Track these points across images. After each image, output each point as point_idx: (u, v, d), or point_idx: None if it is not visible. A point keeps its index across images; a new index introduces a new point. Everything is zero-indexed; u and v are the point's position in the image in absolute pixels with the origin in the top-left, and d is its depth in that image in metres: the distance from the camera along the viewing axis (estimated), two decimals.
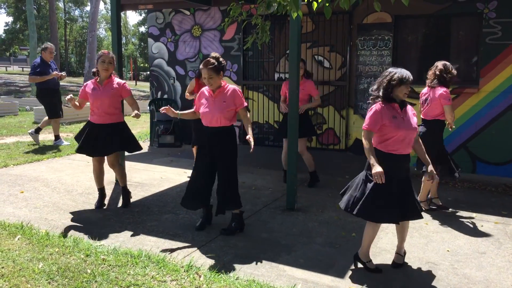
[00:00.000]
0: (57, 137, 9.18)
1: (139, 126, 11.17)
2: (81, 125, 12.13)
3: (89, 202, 5.48)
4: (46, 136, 10.12)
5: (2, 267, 3.65)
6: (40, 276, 3.52)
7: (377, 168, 3.46)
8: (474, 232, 4.71)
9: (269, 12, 3.94)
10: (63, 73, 9.10)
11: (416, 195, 3.75)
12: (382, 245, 4.33)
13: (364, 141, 3.60)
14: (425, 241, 4.45)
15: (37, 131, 9.05)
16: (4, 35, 44.46)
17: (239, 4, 4.30)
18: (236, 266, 3.83)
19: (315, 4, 3.27)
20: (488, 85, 6.92)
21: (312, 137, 7.92)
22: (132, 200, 5.58)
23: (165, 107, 4.50)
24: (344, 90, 8.16)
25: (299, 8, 3.38)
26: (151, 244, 4.25)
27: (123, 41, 52.16)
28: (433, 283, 3.60)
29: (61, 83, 29.65)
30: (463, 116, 7.11)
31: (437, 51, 7.44)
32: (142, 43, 48.03)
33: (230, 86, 4.50)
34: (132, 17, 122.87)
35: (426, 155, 3.82)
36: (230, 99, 4.43)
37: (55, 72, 8.75)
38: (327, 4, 3.29)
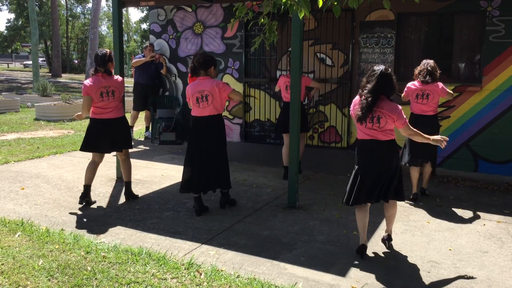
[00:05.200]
0: (130, 127, 9.59)
1: (140, 124, 11.15)
2: (82, 122, 12.14)
3: None
4: (47, 133, 10.12)
5: (2, 264, 3.64)
6: (40, 273, 3.51)
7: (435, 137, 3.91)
8: (476, 231, 4.69)
9: (274, 10, 3.91)
10: (157, 55, 9.46)
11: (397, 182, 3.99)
12: (384, 243, 4.30)
13: (412, 131, 3.90)
14: (427, 239, 4.43)
15: (131, 128, 9.54)
16: (6, 31, 44.40)
17: (244, 5, 4.27)
18: (237, 264, 3.81)
19: (320, 2, 3.23)
20: (491, 83, 6.88)
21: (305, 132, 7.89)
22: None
23: None
24: (346, 88, 8.13)
25: (308, 7, 3.34)
26: (152, 241, 4.24)
27: (125, 38, 52.15)
28: (435, 282, 3.58)
29: (63, 80, 29.65)
30: (465, 115, 7.09)
31: (440, 49, 7.41)
32: (144, 40, 47.98)
33: None
34: (134, 14, 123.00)
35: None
36: None
37: (151, 54, 9.30)
38: (336, 3, 3.25)
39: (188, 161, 5.03)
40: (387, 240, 4.20)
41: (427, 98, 5.47)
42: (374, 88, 3.78)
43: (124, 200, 5.47)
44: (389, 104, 3.81)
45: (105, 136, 5.16)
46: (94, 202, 5.32)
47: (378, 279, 3.61)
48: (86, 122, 12.13)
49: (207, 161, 4.97)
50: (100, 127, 5.15)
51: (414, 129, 3.93)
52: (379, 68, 3.86)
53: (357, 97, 3.97)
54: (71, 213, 4.96)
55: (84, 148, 5.24)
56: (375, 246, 4.23)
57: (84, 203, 5.21)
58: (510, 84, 6.78)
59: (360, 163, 4.00)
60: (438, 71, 5.52)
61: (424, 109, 5.53)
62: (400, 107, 3.84)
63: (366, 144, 3.94)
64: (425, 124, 5.45)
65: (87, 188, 5.26)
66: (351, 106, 4.03)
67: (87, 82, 5.05)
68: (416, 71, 5.58)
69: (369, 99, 3.77)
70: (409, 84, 5.59)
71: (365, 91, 3.83)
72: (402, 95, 5.72)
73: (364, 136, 3.94)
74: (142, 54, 9.58)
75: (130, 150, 5.53)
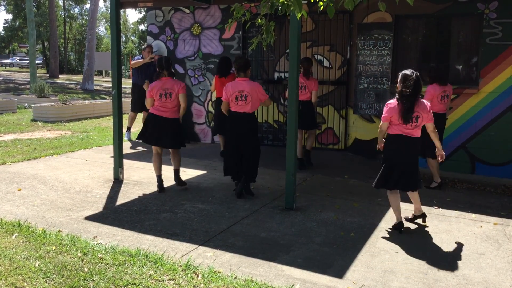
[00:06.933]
0: (128, 129, 9.71)
1: (138, 125, 11.13)
2: (79, 123, 12.12)
3: (87, 200, 5.46)
4: (44, 134, 10.10)
5: None
6: (36, 275, 3.50)
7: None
8: (473, 233, 4.70)
9: (272, 11, 3.91)
10: (156, 56, 9.40)
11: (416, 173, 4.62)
12: (381, 245, 4.31)
13: (434, 128, 4.60)
14: (424, 241, 4.44)
15: (128, 129, 9.68)
16: (3, 32, 44.33)
17: (242, 6, 4.27)
18: (234, 265, 3.81)
19: (321, 4, 3.25)
20: (488, 85, 6.91)
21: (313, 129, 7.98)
22: (130, 199, 5.57)
23: None
24: (343, 90, 8.14)
25: (301, 8, 3.35)
26: (149, 243, 4.23)
27: (123, 39, 52.10)
28: (432, 284, 3.58)
29: (60, 81, 29.61)
30: (462, 117, 7.10)
31: (437, 51, 7.43)
32: (142, 41, 47.97)
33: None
34: (132, 15, 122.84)
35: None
36: None
37: (150, 55, 9.27)
38: (331, 4, 3.26)
39: (226, 150, 5.75)
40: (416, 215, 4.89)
41: (447, 98, 6.14)
42: (413, 93, 4.36)
43: (123, 201, 5.47)
44: (422, 103, 4.45)
45: (157, 131, 5.80)
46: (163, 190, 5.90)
47: (375, 280, 3.61)
48: (84, 123, 12.14)
49: (242, 152, 5.60)
50: (154, 122, 5.79)
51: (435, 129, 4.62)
52: (411, 73, 4.41)
53: (394, 101, 4.47)
54: (68, 214, 4.95)
55: (140, 137, 5.94)
56: (372, 248, 4.23)
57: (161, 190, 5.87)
58: (507, 86, 6.80)
59: (391, 154, 4.58)
60: None
61: (443, 108, 6.14)
62: (429, 104, 4.51)
63: (401, 139, 4.50)
64: (440, 121, 5.96)
65: (159, 178, 5.94)
66: (387, 109, 4.48)
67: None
68: (433, 75, 6.08)
69: (413, 102, 4.38)
70: (430, 88, 6.04)
71: (406, 95, 4.37)
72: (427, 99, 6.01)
73: (400, 132, 4.49)
74: (141, 56, 9.55)
75: (125, 151, 5.58)
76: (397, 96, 4.47)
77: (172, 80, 5.73)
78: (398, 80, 4.49)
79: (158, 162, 5.92)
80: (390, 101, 4.55)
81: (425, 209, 5.37)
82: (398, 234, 4.59)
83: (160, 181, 5.91)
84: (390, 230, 4.68)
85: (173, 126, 5.78)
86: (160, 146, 5.88)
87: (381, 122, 4.60)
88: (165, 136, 5.76)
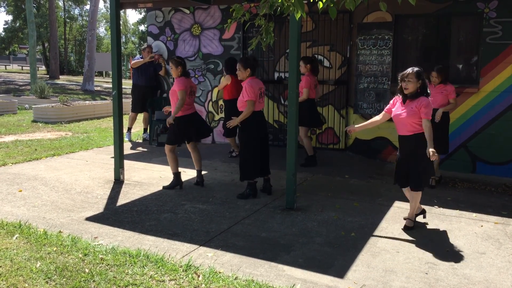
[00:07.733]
0: (128, 129, 9.68)
1: (138, 125, 11.14)
2: (80, 124, 12.12)
3: (88, 201, 5.47)
4: (45, 135, 10.10)
5: (0, 266, 3.63)
6: (37, 276, 3.50)
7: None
8: (474, 232, 4.69)
9: (271, 11, 3.91)
10: (156, 55, 9.48)
11: (421, 170, 4.60)
12: (382, 245, 4.31)
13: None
14: (425, 241, 4.44)
15: (128, 130, 9.67)
16: (3, 33, 44.33)
17: (241, 5, 4.27)
18: (235, 265, 3.81)
19: (320, 4, 3.25)
20: (488, 84, 6.90)
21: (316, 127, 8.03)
22: (130, 199, 5.57)
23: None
24: (344, 90, 8.14)
25: (303, 9, 3.36)
26: (150, 243, 4.24)
27: (123, 39, 52.11)
28: (433, 284, 3.58)
29: (61, 82, 29.62)
30: (463, 116, 7.10)
31: (437, 51, 7.43)
32: (142, 42, 47.97)
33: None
34: (132, 16, 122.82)
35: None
36: None
37: (150, 55, 9.32)
38: (332, 5, 3.26)
39: (252, 152, 5.60)
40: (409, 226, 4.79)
41: None
42: None
43: (124, 201, 5.47)
44: None
45: (194, 128, 6.14)
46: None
47: (375, 280, 3.61)
48: (85, 124, 12.14)
49: (264, 149, 5.76)
50: (191, 122, 6.11)
51: None
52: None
53: (427, 98, 4.50)
54: (68, 215, 4.96)
55: (175, 142, 6.15)
56: (373, 248, 4.23)
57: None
58: (507, 85, 6.80)
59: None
60: None
61: None
62: None
63: None
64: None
65: (179, 175, 6.16)
66: (430, 106, 4.47)
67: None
68: (447, 75, 6.26)
69: None
70: (453, 87, 6.18)
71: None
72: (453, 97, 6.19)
73: None
74: (141, 56, 9.54)
75: (126, 152, 5.61)
76: (427, 91, 4.54)
77: (190, 79, 6.21)
78: (417, 77, 4.46)
79: (176, 160, 6.13)
80: (425, 99, 4.48)
81: (425, 208, 5.38)
82: (398, 234, 4.59)
83: (179, 177, 6.11)
84: (408, 224, 4.79)
85: (200, 117, 6.30)
86: (200, 138, 6.38)
87: (429, 120, 4.45)
88: (200, 128, 6.22)
